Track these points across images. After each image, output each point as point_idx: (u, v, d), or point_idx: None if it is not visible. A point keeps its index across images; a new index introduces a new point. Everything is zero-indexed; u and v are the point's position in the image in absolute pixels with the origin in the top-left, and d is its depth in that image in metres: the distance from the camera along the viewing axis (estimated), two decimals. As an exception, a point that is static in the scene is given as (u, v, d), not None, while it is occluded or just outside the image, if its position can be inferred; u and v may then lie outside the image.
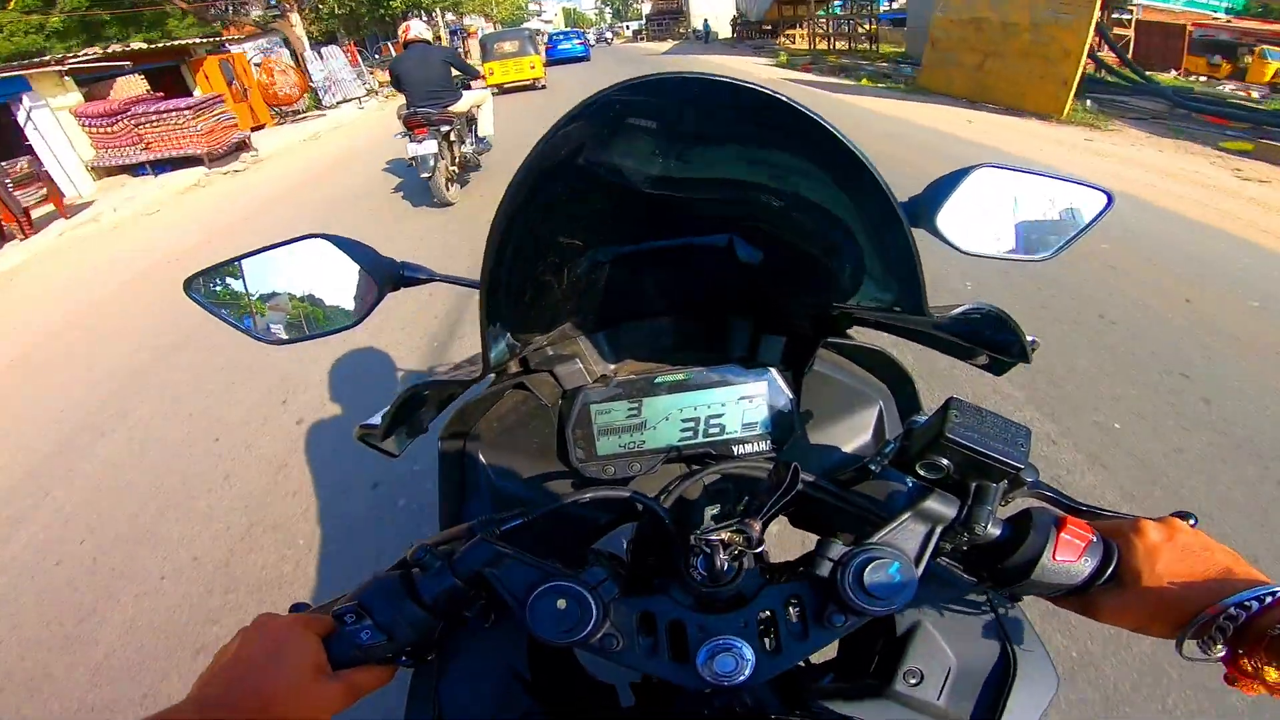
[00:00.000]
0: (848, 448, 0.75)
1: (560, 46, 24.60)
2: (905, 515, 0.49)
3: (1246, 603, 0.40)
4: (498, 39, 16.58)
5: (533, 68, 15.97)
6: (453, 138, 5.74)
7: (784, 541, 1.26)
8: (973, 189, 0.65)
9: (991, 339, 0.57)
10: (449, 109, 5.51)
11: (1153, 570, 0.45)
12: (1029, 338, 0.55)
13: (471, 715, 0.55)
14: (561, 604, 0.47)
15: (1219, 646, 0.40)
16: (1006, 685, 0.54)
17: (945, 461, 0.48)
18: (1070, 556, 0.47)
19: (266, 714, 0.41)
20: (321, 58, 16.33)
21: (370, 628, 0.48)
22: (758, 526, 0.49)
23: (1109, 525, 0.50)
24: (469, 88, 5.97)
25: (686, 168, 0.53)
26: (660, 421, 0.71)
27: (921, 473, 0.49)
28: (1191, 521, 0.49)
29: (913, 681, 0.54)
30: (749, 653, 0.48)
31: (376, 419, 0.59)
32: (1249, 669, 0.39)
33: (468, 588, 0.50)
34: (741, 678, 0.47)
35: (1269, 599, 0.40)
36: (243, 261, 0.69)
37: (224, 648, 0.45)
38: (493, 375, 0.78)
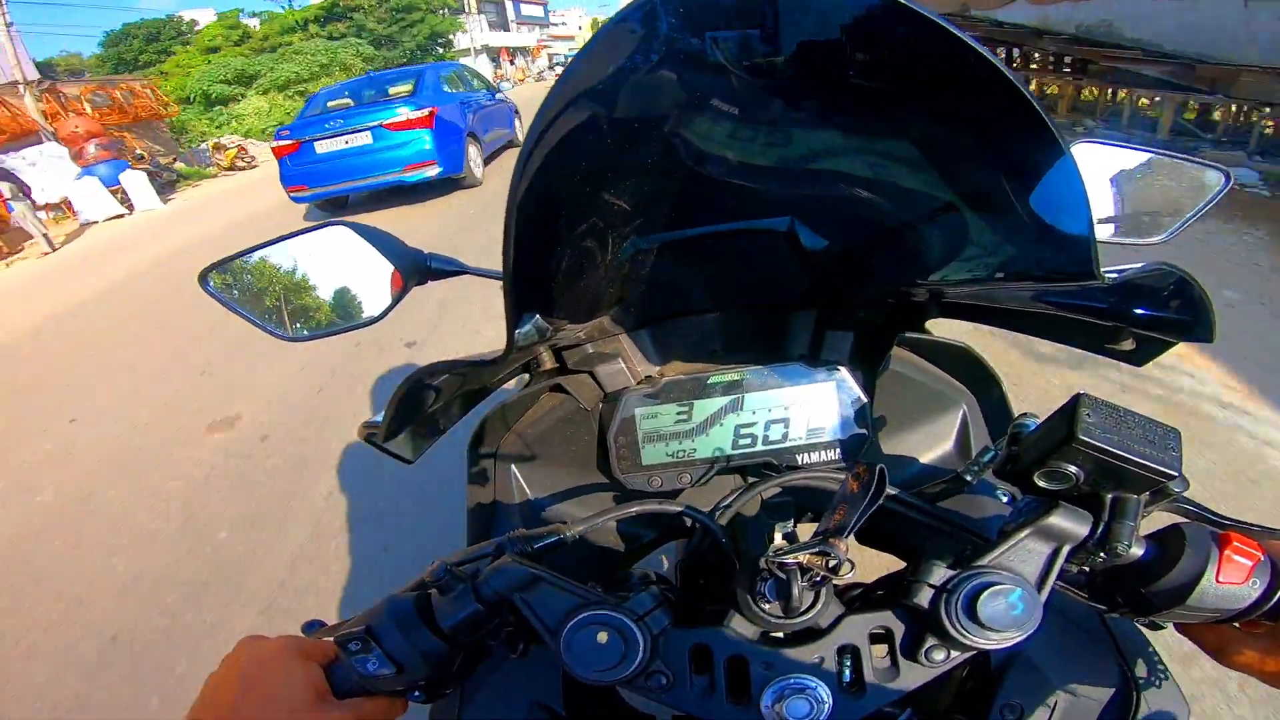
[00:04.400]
0: (927, 458, 0.67)
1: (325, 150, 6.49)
2: (1024, 533, 0.41)
3: None
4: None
5: None
6: None
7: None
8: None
9: (1157, 310, 0.47)
10: None
11: None
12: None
13: None
14: (603, 637, 0.41)
15: None
16: None
17: (1074, 469, 0.39)
18: (1236, 578, 0.39)
19: None
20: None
21: (378, 657, 0.42)
22: (844, 547, 0.41)
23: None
24: None
25: (777, 143, 0.44)
26: (713, 427, 0.64)
27: (1041, 483, 0.41)
28: None
29: (1011, 719, 0.47)
30: (826, 694, 0.42)
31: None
32: None
33: (492, 614, 0.44)
34: None
35: None
36: (260, 252, 0.64)
37: (212, 675, 0.41)
38: (527, 376, 0.71)
